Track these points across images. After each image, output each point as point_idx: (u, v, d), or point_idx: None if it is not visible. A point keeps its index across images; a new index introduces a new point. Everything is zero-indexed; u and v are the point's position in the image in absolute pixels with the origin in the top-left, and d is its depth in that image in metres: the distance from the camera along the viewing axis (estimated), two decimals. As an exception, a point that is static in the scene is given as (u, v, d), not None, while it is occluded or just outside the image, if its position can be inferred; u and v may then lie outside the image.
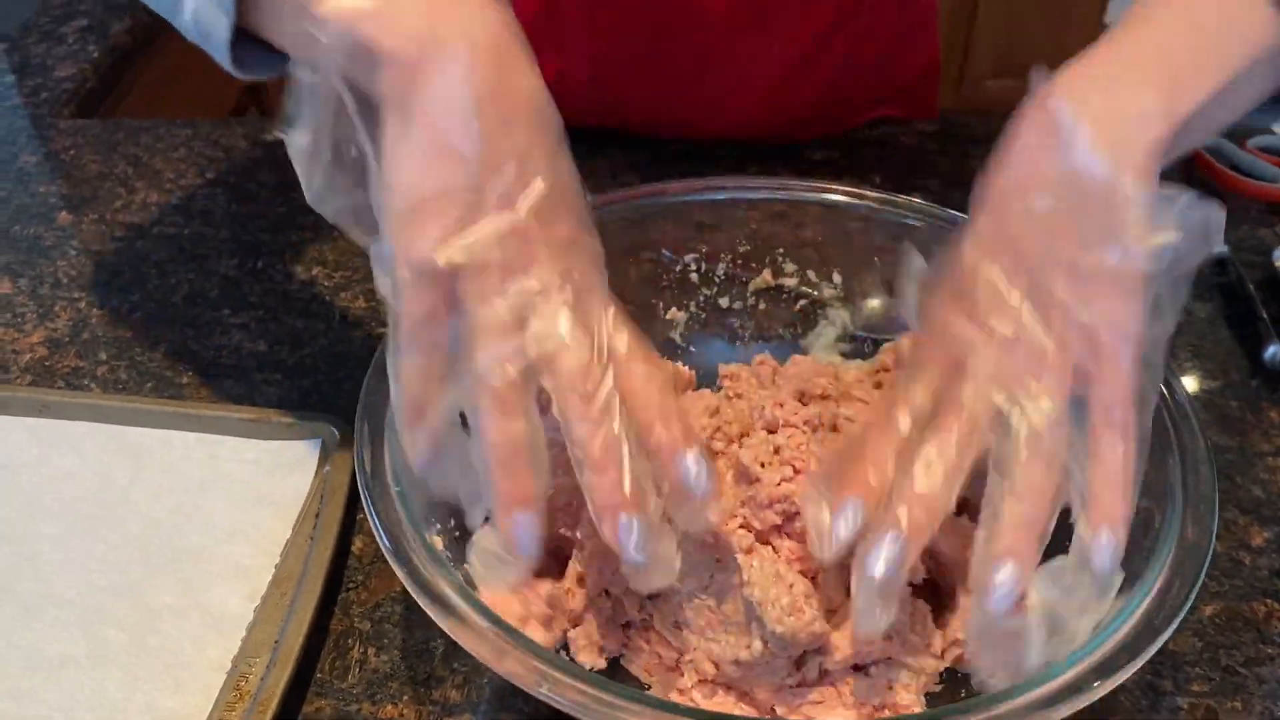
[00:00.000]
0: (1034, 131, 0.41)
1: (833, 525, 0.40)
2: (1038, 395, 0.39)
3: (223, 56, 0.45)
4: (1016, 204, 0.41)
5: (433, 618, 0.41)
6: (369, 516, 0.44)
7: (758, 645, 0.43)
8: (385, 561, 0.54)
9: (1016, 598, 0.38)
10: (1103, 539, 0.38)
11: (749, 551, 0.44)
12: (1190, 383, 0.64)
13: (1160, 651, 0.49)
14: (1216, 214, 0.39)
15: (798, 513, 0.44)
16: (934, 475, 0.39)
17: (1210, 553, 0.42)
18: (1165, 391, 0.47)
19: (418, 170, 0.39)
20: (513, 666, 0.38)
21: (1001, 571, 0.38)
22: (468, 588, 0.42)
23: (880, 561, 0.39)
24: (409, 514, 0.44)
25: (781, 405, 0.47)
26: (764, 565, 0.44)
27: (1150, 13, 0.42)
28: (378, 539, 0.43)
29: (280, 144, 0.89)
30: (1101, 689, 0.38)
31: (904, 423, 0.41)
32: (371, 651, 0.51)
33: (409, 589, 0.42)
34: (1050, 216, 0.40)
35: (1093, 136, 0.40)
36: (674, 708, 0.39)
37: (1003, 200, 0.42)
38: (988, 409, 0.40)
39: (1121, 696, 0.48)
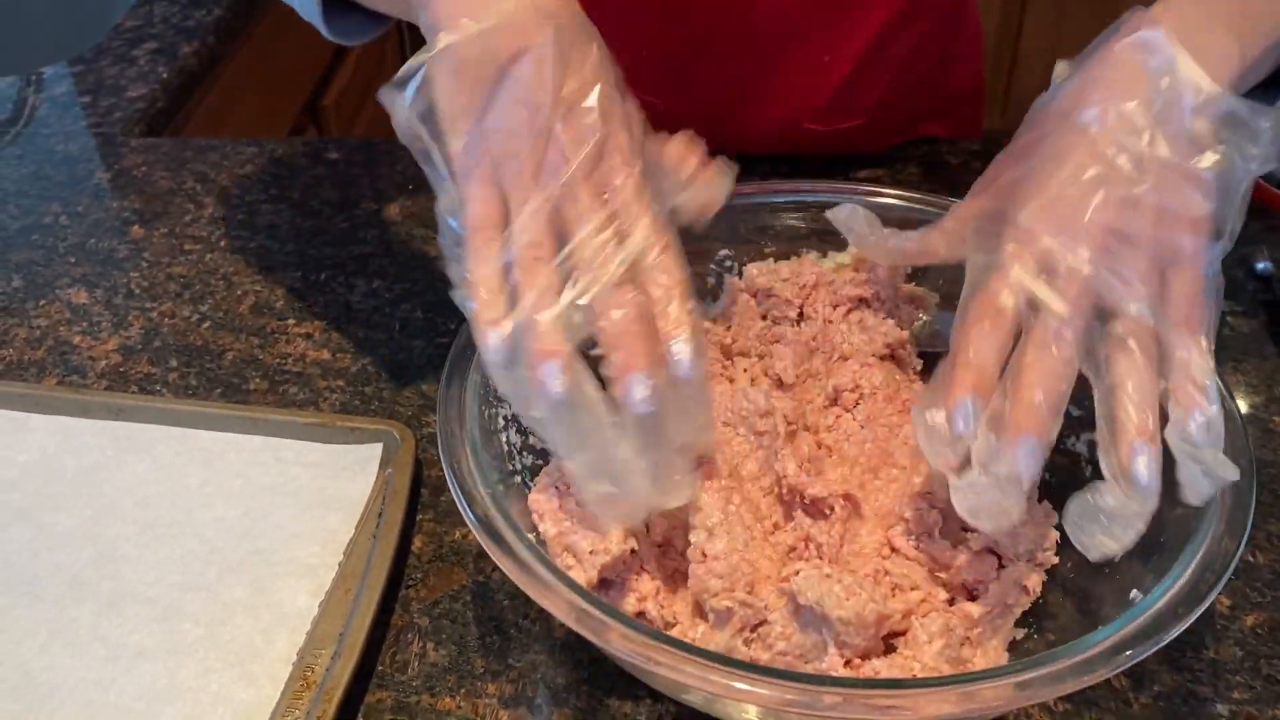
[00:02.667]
0: (1128, 52, 0.46)
1: (951, 422, 0.42)
2: (1131, 282, 0.43)
3: (319, 26, 0.50)
4: (1095, 109, 0.45)
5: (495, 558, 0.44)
6: (445, 471, 0.47)
7: (833, 651, 0.45)
8: (444, 560, 0.57)
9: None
10: (1195, 419, 0.42)
11: (786, 579, 0.47)
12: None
13: (1201, 659, 0.51)
14: None
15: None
16: (1048, 370, 0.42)
17: (1240, 549, 0.42)
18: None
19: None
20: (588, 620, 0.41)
21: (1141, 455, 0.41)
22: (528, 536, 0.44)
23: (1023, 464, 0.41)
24: (484, 478, 0.47)
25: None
26: (809, 572, 0.45)
27: None
28: (455, 497, 0.46)
29: (339, 162, 0.92)
30: (1104, 673, 0.39)
31: (1004, 312, 0.44)
32: (430, 646, 0.53)
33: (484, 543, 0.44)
34: (1133, 127, 0.44)
35: (1189, 61, 0.44)
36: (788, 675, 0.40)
37: (1077, 103, 0.46)
38: (1083, 298, 0.43)
39: (1163, 703, 0.49)
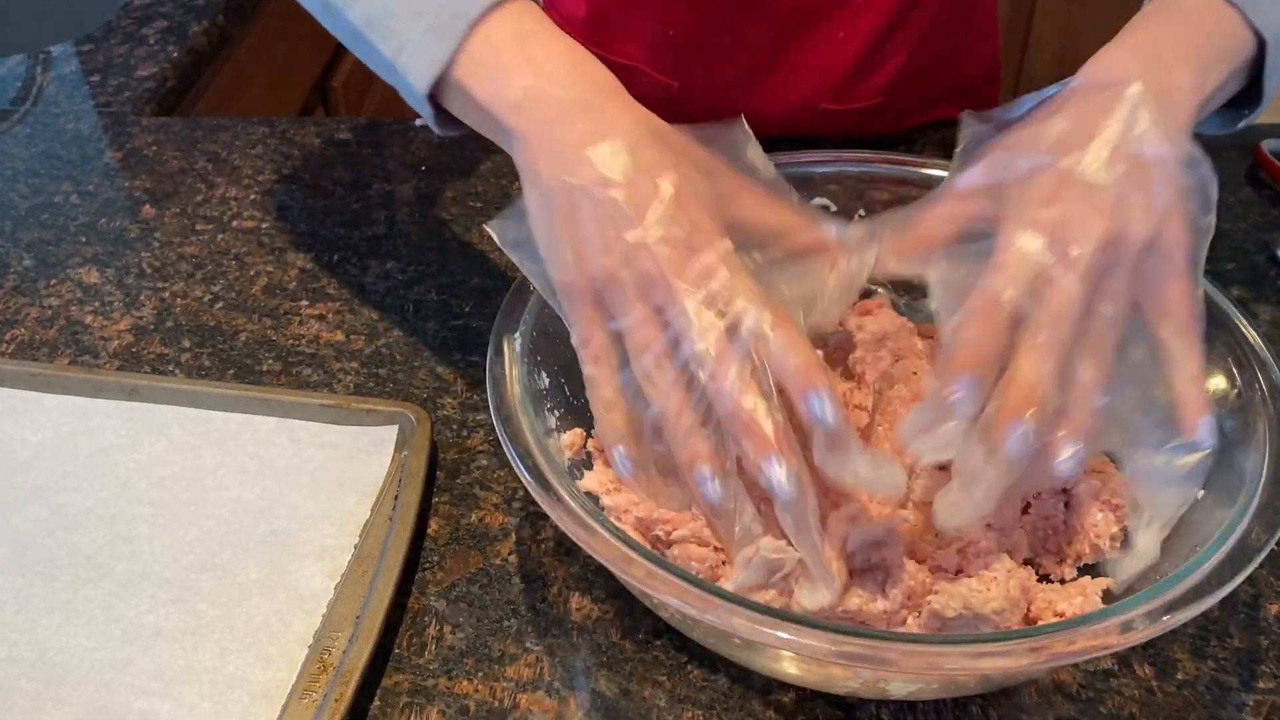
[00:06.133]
0: (1091, 99, 0.47)
1: (953, 406, 0.43)
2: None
3: (431, 125, 0.54)
4: (1077, 152, 0.46)
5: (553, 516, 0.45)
6: (497, 429, 0.47)
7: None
8: (460, 543, 0.56)
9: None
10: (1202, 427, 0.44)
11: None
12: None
13: (1227, 649, 0.50)
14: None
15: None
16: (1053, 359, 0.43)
17: (1268, 547, 0.42)
18: (1262, 382, 0.48)
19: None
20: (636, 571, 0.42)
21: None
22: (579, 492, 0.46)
23: (1011, 448, 0.42)
24: (535, 437, 0.47)
25: None
26: (941, 587, 0.46)
27: (1163, 13, 0.50)
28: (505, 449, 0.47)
29: (351, 143, 0.92)
30: (1116, 645, 0.40)
31: (1003, 306, 0.44)
32: (447, 629, 0.52)
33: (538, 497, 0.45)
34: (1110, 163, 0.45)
35: (1155, 107, 0.46)
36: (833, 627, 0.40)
37: (1054, 140, 0.47)
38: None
39: (1187, 692, 0.49)
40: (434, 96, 0.52)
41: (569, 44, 0.50)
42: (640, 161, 0.45)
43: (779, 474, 0.42)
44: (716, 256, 0.44)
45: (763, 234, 0.49)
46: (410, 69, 0.50)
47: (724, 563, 0.49)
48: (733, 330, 0.43)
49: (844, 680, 0.44)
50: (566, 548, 0.55)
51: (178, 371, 0.67)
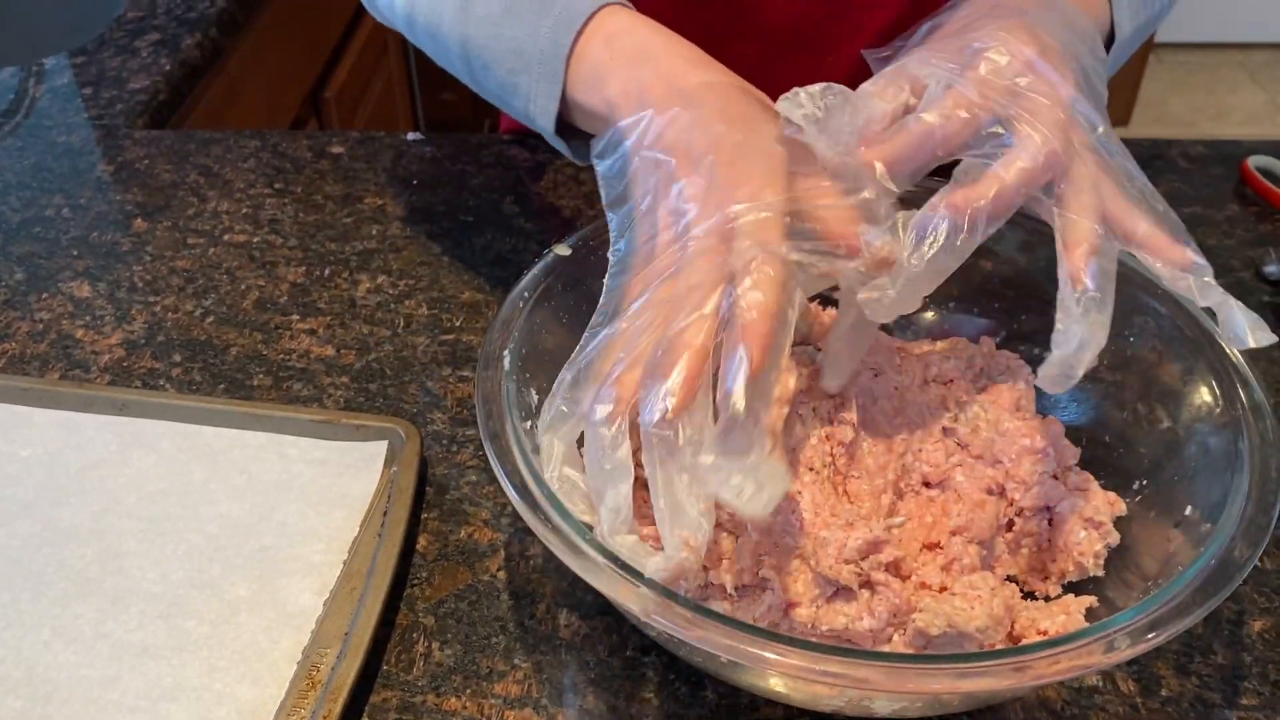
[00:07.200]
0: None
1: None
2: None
3: (564, 151, 0.57)
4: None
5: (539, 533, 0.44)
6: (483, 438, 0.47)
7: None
8: (449, 559, 0.56)
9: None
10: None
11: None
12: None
13: (1210, 665, 0.50)
14: None
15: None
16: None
17: (1249, 564, 0.42)
18: (1244, 399, 0.48)
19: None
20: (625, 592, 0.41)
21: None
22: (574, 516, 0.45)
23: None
24: (520, 451, 0.47)
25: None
26: (925, 604, 0.46)
27: None
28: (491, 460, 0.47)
29: (343, 156, 0.92)
30: (1102, 663, 0.40)
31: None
32: (436, 646, 0.52)
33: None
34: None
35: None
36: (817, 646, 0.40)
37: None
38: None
39: (1171, 708, 0.49)
40: (574, 127, 0.56)
41: (653, 32, 0.54)
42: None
43: (652, 398, 0.41)
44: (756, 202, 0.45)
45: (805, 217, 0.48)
46: (539, 118, 0.55)
47: (712, 583, 0.49)
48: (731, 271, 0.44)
49: (829, 699, 0.45)
50: (555, 564, 0.56)
51: (168, 386, 0.67)
